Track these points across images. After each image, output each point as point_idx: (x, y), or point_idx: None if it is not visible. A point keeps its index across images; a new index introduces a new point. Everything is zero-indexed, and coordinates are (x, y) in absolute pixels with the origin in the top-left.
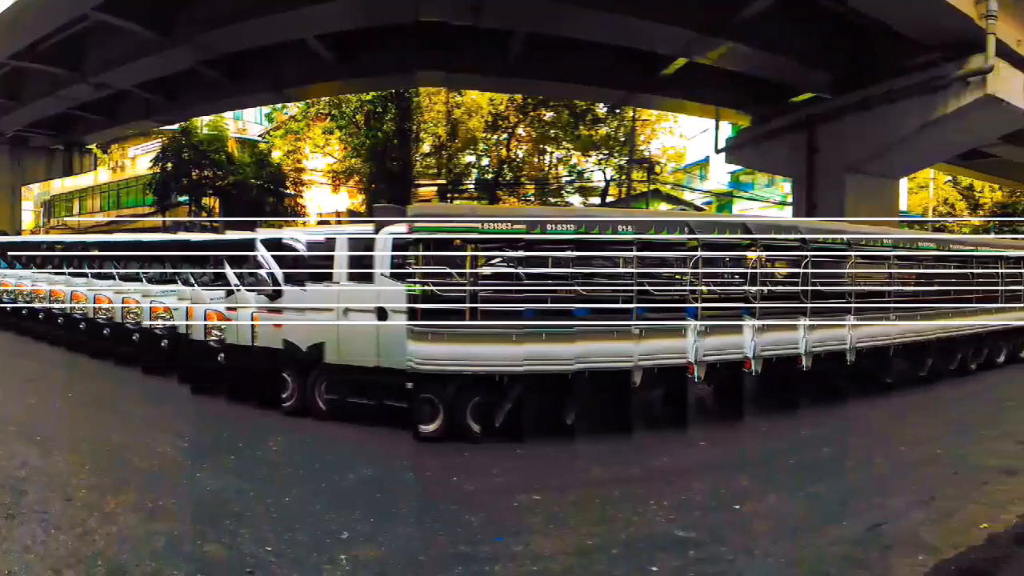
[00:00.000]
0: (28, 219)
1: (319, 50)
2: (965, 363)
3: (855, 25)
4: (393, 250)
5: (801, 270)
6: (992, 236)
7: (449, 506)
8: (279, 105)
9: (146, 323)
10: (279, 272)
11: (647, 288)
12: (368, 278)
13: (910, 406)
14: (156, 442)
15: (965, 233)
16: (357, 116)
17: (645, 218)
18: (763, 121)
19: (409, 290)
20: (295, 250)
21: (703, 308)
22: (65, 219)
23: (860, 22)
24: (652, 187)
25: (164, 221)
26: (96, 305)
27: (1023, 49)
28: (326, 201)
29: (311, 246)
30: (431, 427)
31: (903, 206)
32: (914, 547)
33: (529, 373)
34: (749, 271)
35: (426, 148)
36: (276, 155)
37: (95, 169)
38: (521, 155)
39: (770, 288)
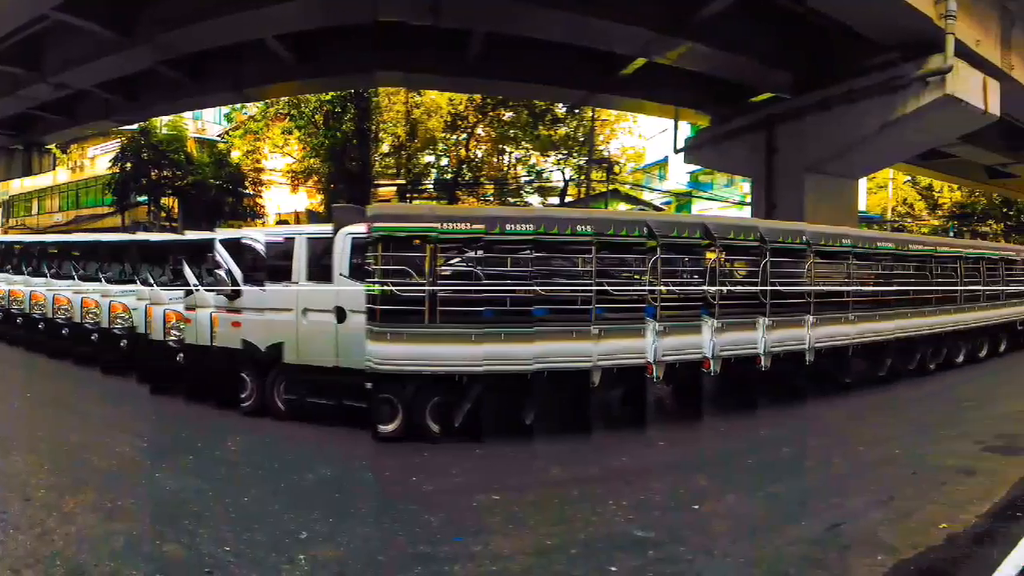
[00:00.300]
0: None
1: (278, 50)
2: (924, 363)
3: (814, 25)
4: (352, 250)
5: (760, 270)
6: (951, 237)
7: (408, 506)
8: (238, 105)
9: (105, 323)
10: (238, 272)
11: (606, 288)
12: (327, 278)
13: (868, 406)
14: (115, 442)
15: (924, 233)
16: (316, 116)
17: (604, 218)
18: (722, 121)
19: (368, 290)
20: (254, 250)
21: (662, 308)
22: (24, 219)
23: (819, 22)
24: (611, 187)
25: (123, 221)
26: (55, 305)
27: (982, 49)
28: (285, 201)
29: (270, 246)
30: (390, 427)
31: (862, 206)
32: (873, 547)
33: (488, 373)
34: (707, 271)
35: (385, 148)
36: (235, 155)
37: (54, 169)
38: (480, 155)
39: (729, 288)
